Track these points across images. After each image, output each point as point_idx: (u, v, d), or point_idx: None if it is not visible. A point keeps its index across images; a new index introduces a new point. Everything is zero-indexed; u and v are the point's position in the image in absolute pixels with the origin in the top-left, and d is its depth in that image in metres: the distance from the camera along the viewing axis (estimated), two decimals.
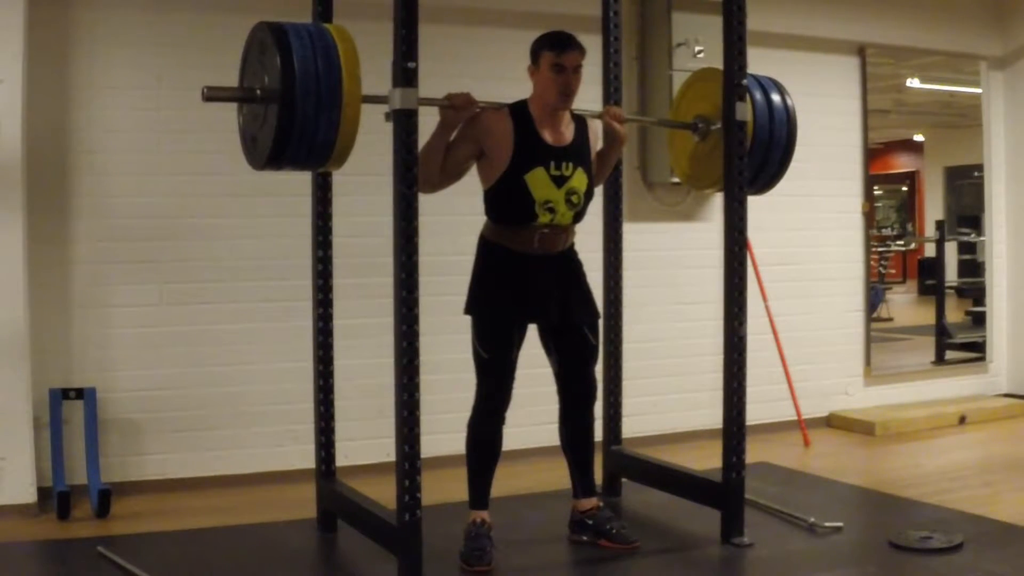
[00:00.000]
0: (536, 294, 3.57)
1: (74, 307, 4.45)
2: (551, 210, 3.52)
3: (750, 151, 3.82)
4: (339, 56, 3.11)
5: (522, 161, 3.49)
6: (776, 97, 3.94)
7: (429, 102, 3.36)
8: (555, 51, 3.50)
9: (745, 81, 3.74)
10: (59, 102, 4.41)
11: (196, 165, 4.62)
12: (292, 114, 3.05)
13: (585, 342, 3.69)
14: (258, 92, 3.22)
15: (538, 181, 3.49)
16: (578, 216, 3.61)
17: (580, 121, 3.67)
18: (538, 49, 3.55)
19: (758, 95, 3.90)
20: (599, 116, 3.79)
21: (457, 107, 3.42)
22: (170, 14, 4.57)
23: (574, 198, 3.56)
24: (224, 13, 4.64)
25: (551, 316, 3.61)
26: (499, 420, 3.56)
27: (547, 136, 3.54)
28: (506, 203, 3.54)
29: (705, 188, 4.22)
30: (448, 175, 3.50)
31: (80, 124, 4.45)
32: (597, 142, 3.74)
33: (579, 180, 3.57)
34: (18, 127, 4.11)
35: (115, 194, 4.50)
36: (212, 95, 3.28)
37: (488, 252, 3.61)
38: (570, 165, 3.54)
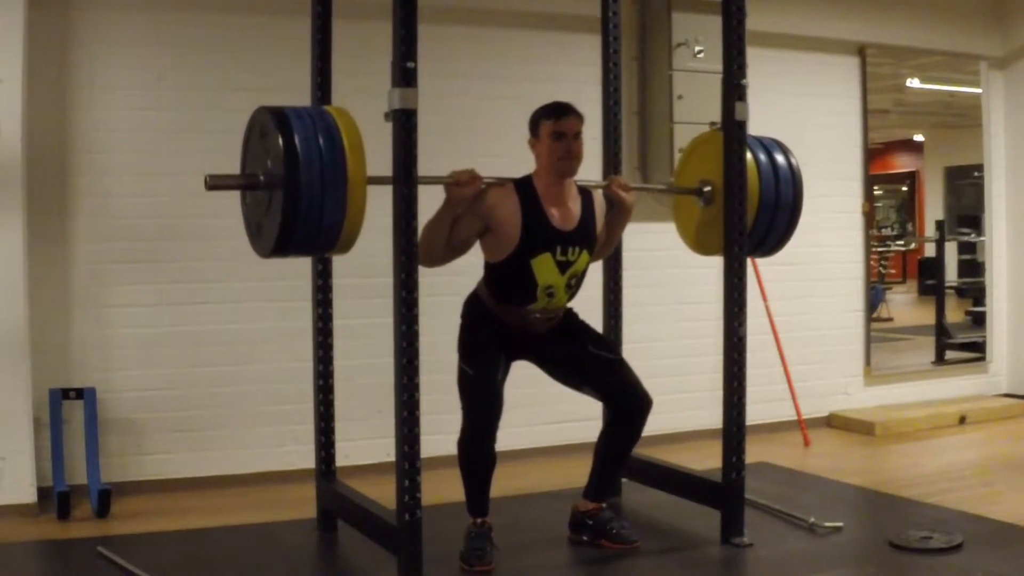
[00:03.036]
0: (530, 342, 3.61)
1: (74, 307, 4.46)
2: (551, 295, 3.54)
3: (756, 215, 3.79)
4: (342, 137, 3.10)
5: (530, 245, 3.48)
6: (780, 158, 3.89)
7: (433, 180, 3.37)
8: (553, 119, 3.50)
9: (746, 81, 3.73)
10: (59, 102, 4.41)
11: (196, 165, 4.59)
12: (297, 198, 3.02)
13: (599, 359, 3.66)
14: (261, 178, 3.19)
15: (544, 266, 3.50)
16: (572, 297, 3.65)
17: (585, 195, 3.65)
18: (536, 120, 3.55)
19: (762, 156, 3.85)
20: (604, 187, 3.78)
21: (462, 184, 3.40)
22: (170, 14, 4.57)
23: (573, 281, 3.59)
24: (224, 13, 4.65)
25: (548, 352, 3.64)
26: (490, 443, 3.47)
27: (555, 216, 3.52)
28: (508, 283, 3.54)
29: (714, 254, 3.96)
30: (452, 250, 3.49)
31: (80, 124, 4.45)
32: (601, 215, 3.71)
33: (582, 263, 3.59)
34: (18, 127, 4.11)
35: (115, 194, 4.50)
36: (215, 184, 3.23)
37: (478, 311, 3.59)
38: (576, 250, 3.55)
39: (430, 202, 3.36)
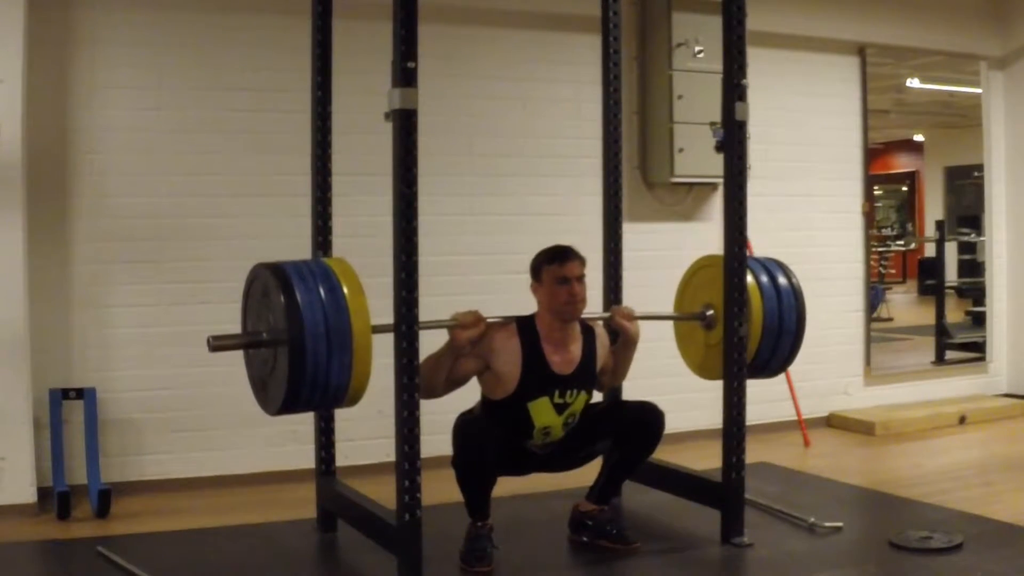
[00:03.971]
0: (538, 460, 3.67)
1: (74, 307, 4.46)
2: (547, 434, 3.59)
3: (760, 339, 3.79)
4: (346, 299, 3.09)
5: (528, 389, 3.51)
6: (783, 280, 3.89)
7: (436, 325, 3.39)
8: (556, 263, 3.52)
9: (746, 81, 3.72)
10: (59, 102, 4.41)
11: (196, 165, 4.62)
12: (303, 362, 3.02)
13: (597, 417, 3.68)
14: (264, 336, 3.19)
15: (541, 410, 3.53)
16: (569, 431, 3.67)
17: (588, 333, 3.66)
18: (539, 265, 3.57)
19: (764, 278, 3.86)
20: (608, 319, 3.78)
21: (465, 327, 3.42)
22: (170, 14, 4.57)
23: (570, 420, 3.62)
24: (224, 13, 4.65)
25: (546, 461, 3.68)
26: (487, 453, 3.42)
27: (554, 360, 3.54)
28: (504, 421, 3.54)
29: (719, 379, 3.84)
30: (452, 386, 3.52)
31: (80, 124, 4.45)
32: (603, 350, 3.72)
33: (579, 403, 3.62)
34: (18, 127, 4.11)
35: (115, 194, 4.50)
36: (219, 345, 3.22)
37: (477, 424, 3.55)
38: (574, 392, 3.58)
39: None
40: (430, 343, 3.40)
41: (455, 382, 3.53)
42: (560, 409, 3.57)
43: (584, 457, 3.75)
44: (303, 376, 3.05)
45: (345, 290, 3.12)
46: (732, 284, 3.74)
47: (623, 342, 3.77)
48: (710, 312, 3.93)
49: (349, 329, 3.07)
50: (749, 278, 3.78)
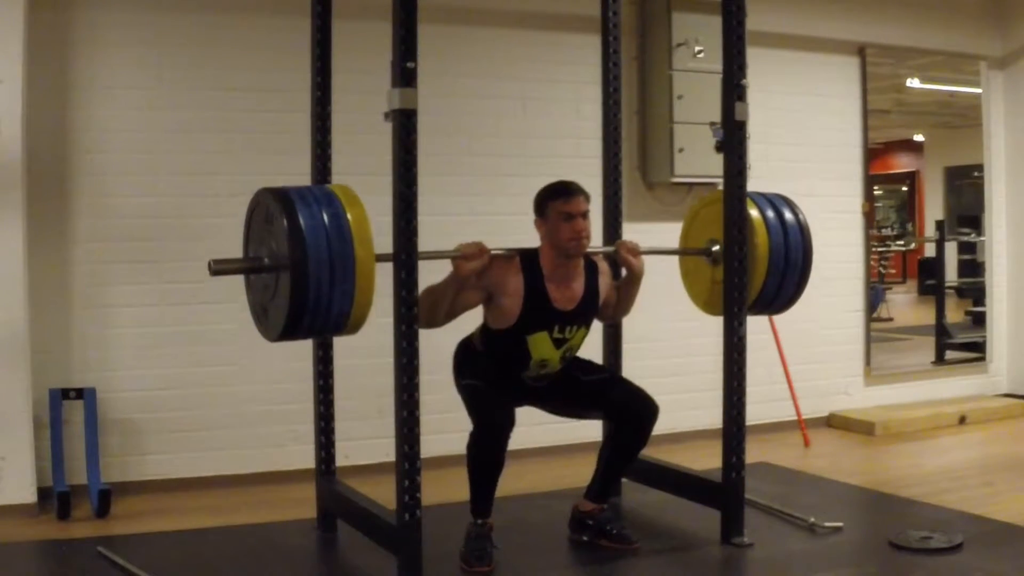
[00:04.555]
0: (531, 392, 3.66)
1: (74, 307, 4.46)
2: (544, 367, 3.59)
3: (766, 274, 3.78)
4: (348, 222, 3.06)
5: (528, 324, 3.51)
6: (789, 216, 3.86)
7: (439, 255, 3.38)
8: (562, 199, 3.51)
9: (746, 81, 3.72)
10: (59, 102, 4.41)
11: (196, 165, 4.62)
12: (305, 288, 2.99)
13: (594, 383, 3.69)
14: (266, 261, 3.15)
15: (539, 344, 3.54)
16: (566, 365, 3.67)
17: (590, 268, 3.66)
18: (543, 201, 3.55)
19: (770, 213, 3.84)
20: (613, 252, 3.78)
21: (469, 258, 3.41)
22: (170, 14, 4.57)
23: (568, 354, 3.62)
24: (224, 13, 4.65)
25: (542, 396, 3.68)
26: (504, 439, 3.43)
27: (556, 296, 3.54)
28: (503, 351, 3.56)
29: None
30: (452, 317, 3.51)
31: (80, 124, 4.45)
32: (606, 285, 3.72)
33: (578, 339, 3.63)
34: (18, 127, 4.11)
35: (115, 194, 4.50)
36: (220, 268, 3.19)
37: (472, 356, 3.61)
38: (573, 328, 3.58)
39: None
40: (430, 277, 3.39)
41: (455, 313, 3.50)
42: (559, 344, 3.56)
43: (571, 413, 3.76)
44: (304, 302, 3.01)
45: (350, 217, 3.08)
46: (732, 284, 3.74)
47: (627, 278, 3.77)
48: (716, 248, 3.91)
49: (352, 256, 3.03)
50: (754, 212, 3.77)
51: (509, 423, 3.43)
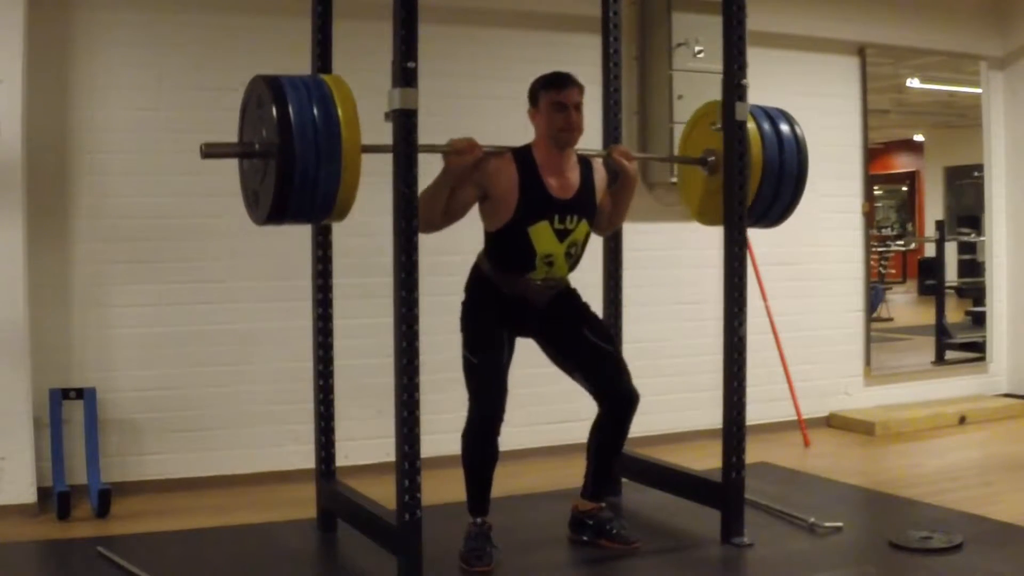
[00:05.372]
0: (530, 315, 3.59)
1: (74, 307, 4.46)
2: (550, 264, 3.54)
3: (760, 185, 3.79)
4: (336, 107, 3.11)
5: (527, 213, 3.48)
6: (785, 127, 3.88)
7: (431, 148, 3.36)
8: (554, 89, 3.50)
9: (746, 81, 3.72)
10: (59, 102, 4.41)
11: (196, 165, 4.55)
12: (292, 168, 3.04)
13: (595, 348, 3.64)
14: (257, 147, 3.21)
15: (541, 235, 3.50)
16: (573, 267, 3.64)
17: (585, 165, 3.64)
18: (536, 90, 3.55)
19: (766, 126, 3.85)
20: (606, 156, 3.77)
21: (460, 152, 3.39)
22: (170, 14, 4.57)
23: (573, 250, 3.58)
24: (224, 13, 4.66)
25: (547, 329, 3.62)
26: (495, 435, 3.47)
27: (553, 185, 3.52)
28: (506, 251, 3.54)
29: (718, 223, 3.92)
30: (450, 217, 3.49)
31: (80, 124, 4.45)
32: (601, 186, 3.70)
33: (581, 231, 3.58)
34: (18, 127, 4.11)
35: (115, 194, 4.50)
36: (211, 152, 3.27)
37: (480, 284, 3.60)
38: (574, 218, 3.54)
39: (431, 170, 3.37)
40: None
41: (453, 213, 3.48)
42: (561, 236, 3.52)
43: (561, 362, 3.69)
44: (291, 183, 3.05)
45: (338, 102, 3.12)
46: (732, 284, 3.74)
47: (621, 183, 3.75)
48: (712, 158, 3.93)
49: (339, 138, 3.08)
50: (750, 124, 3.78)
51: (500, 412, 3.45)
